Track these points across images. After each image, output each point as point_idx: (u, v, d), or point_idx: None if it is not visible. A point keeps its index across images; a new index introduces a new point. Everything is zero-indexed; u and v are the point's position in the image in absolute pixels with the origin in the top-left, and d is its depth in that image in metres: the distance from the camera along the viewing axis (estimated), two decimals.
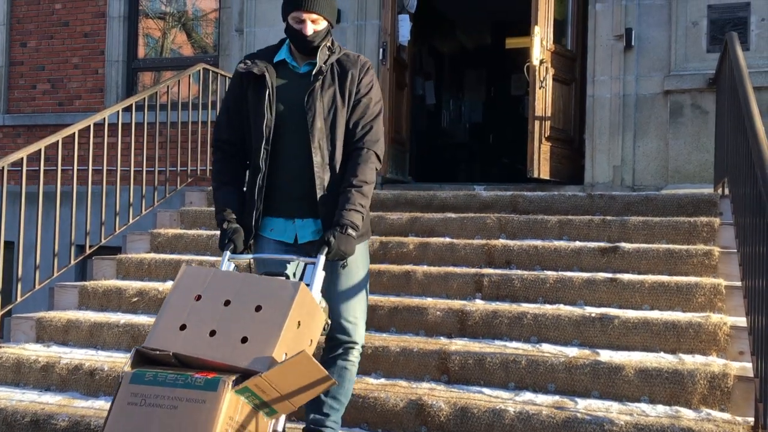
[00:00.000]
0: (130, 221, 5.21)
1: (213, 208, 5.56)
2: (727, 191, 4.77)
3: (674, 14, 5.82)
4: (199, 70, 5.85)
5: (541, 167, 5.93)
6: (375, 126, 2.73)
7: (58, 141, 4.60)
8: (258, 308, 2.21)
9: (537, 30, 5.84)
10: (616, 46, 5.99)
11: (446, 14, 10.08)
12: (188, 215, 5.45)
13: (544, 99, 5.95)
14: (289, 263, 2.69)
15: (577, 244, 4.29)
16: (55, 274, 4.62)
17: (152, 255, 4.98)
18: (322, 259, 2.49)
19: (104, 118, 4.99)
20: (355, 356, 2.80)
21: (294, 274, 2.71)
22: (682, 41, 5.82)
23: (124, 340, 4.01)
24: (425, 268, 4.29)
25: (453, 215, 4.80)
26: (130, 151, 5.26)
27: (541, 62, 5.87)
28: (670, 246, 4.09)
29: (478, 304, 3.88)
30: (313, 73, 2.71)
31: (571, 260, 4.17)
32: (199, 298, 2.26)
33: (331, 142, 2.69)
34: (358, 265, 2.77)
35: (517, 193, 4.99)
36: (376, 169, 2.72)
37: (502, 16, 10.51)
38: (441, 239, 4.59)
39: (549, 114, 5.99)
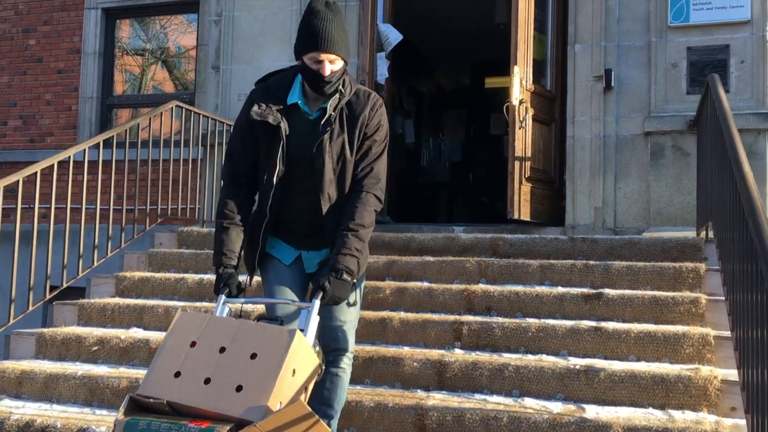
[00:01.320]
0: (95, 263, 4.98)
1: (183, 250, 5.42)
2: (711, 235, 4.68)
3: (653, 56, 5.79)
4: (171, 108, 5.69)
5: (522, 208, 5.81)
6: (375, 167, 2.71)
7: (18, 180, 4.38)
8: (253, 355, 2.20)
9: (516, 70, 5.77)
10: (595, 86, 5.93)
11: (426, 54, 10.07)
12: (157, 257, 5.24)
13: (524, 139, 5.85)
14: (298, 285, 2.76)
15: (560, 289, 4.14)
16: (11, 321, 4.37)
17: (116, 300, 4.75)
18: (316, 304, 2.48)
19: (69, 156, 4.79)
20: (346, 363, 2.79)
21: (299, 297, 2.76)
22: (662, 83, 5.78)
23: (81, 393, 3.77)
24: (402, 314, 4.10)
25: (431, 258, 4.64)
26: (98, 189, 5.06)
27: (521, 102, 5.78)
28: (656, 293, 3.95)
29: (457, 354, 3.70)
30: (322, 123, 2.68)
31: (554, 307, 4.01)
32: (194, 344, 2.25)
33: (339, 191, 2.71)
34: (356, 297, 2.81)
35: (497, 236, 4.85)
36: (376, 211, 2.70)
37: (481, 57, 10.53)
38: (419, 284, 4.41)
39: (529, 154, 5.89)
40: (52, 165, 4.64)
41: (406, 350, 3.79)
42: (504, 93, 10.53)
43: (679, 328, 3.64)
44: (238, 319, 2.44)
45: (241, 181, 2.76)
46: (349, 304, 2.68)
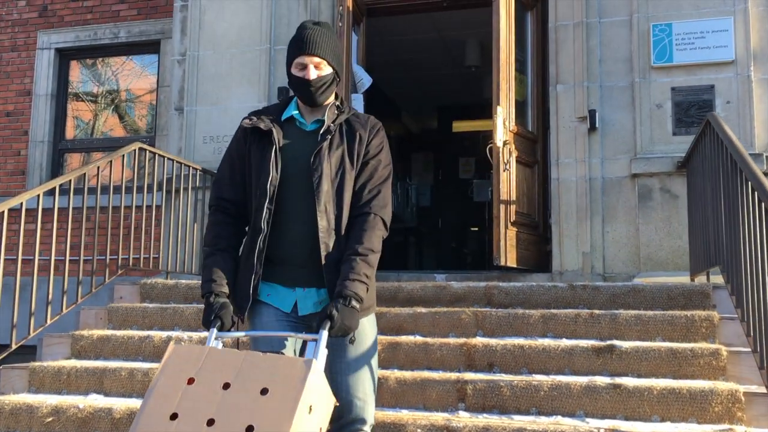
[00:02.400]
0: (48, 321, 4.48)
1: (147, 304, 4.95)
2: (710, 280, 4.46)
3: (637, 96, 5.65)
4: (134, 150, 5.28)
5: (508, 254, 5.53)
6: (383, 190, 2.48)
7: None
8: (264, 391, 1.91)
9: (500, 110, 5.56)
10: (579, 127, 5.75)
11: (392, 98, 9.90)
12: (118, 313, 4.76)
13: (508, 182, 5.61)
14: (287, 340, 2.40)
15: (566, 342, 3.83)
16: None
17: (73, 362, 4.25)
18: (324, 334, 2.19)
19: (22, 203, 4.33)
20: None
21: (295, 352, 2.41)
22: (647, 123, 5.63)
23: None
24: (398, 373, 3.73)
25: (423, 310, 4.29)
26: (52, 238, 4.59)
27: (505, 143, 5.56)
28: (671, 344, 3.68)
29: (464, 418, 3.33)
30: (321, 132, 2.48)
31: (563, 362, 3.70)
32: (192, 381, 1.96)
33: (337, 206, 2.43)
34: (367, 335, 2.48)
35: (491, 284, 4.54)
36: (383, 237, 2.45)
37: (448, 101, 10.42)
38: (412, 338, 4.06)
39: (514, 198, 5.64)
40: (2, 212, 4.17)
41: (405, 414, 3.41)
42: (472, 137, 10.49)
43: (703, 384, 3.35)
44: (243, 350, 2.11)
45: (227, 208, 2.52)
46: (351, 342, 2.33)
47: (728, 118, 5.46)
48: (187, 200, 5.71)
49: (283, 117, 2.54)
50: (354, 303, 2.27)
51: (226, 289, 2.37)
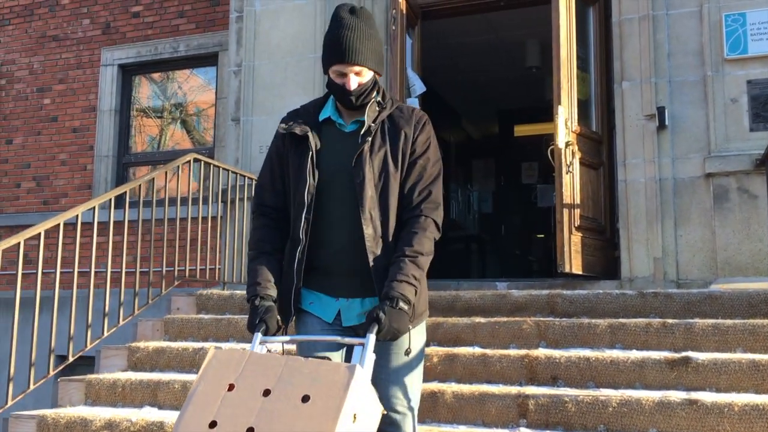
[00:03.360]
0: (105, 333, 4.48)
1: (202, 316, 4.92)
2: None
3: (710, 91, 5.30)
4: (189, 161, 5.28)
5: (573, 261, 5.26)
6: (434, 190, 2.33)
7: (19, 242, 3.94)
8: (305, 398, 1.84)
9: (561, 110, 5.31)
10: (647, 126, 5.44)
11: (451, 103, 9.72)
12: (174, 324, 4.74)
13: (571, 185, 5.35)
14: (335, 347, 2.29)
15: (636, 354, 3.56)
16: (9, 402, 3.86)
17: (128, 374, 4.23)
18: (372, 338, 2.07)
19: (77, 215, 4.36)
20: (408, 426, 2.31)
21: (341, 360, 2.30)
22: (721, 120, 5.28)
23: None
24: (455, 386, 3.55)
25: (482, 320, 4.09)
26: (109, 250, 4.60)
27: (567, 145, 5.30)
28: (754, 356, 3.37)
29: None
30: (361, 133, 2.34)
31: (633, 375, 3.44)
32: (232, 387, 1.90)
33: (382, 212, 2.29)
34: (414, 343, 2.29)
35: (554, 292, 4.30)
36: (435, 240, 2.30)
37: (509, 104, 10.17)
38: (470, 349, 3.86)
39: (578, 201, 5.37)
40: (58, 225, 4.20)
41: (463, 430, 3.22)
42: (534, 141, 10.20)
43: None
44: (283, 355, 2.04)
45: (269, 213, 2.43)
46: (407, 354, 2.24)
47: None
48: (244, 210, 5.68)
49: (321, 117, 2.40)
50: (402, 305, 2.15)
51: (272, 293, 2.28)
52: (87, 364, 4.71)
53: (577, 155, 5.41)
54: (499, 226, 10.25)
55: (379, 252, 2.27)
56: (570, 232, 5.27)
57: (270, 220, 2.41)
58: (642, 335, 3.72)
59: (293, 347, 3.47)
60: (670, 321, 3.75)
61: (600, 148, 5.81)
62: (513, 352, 3.75)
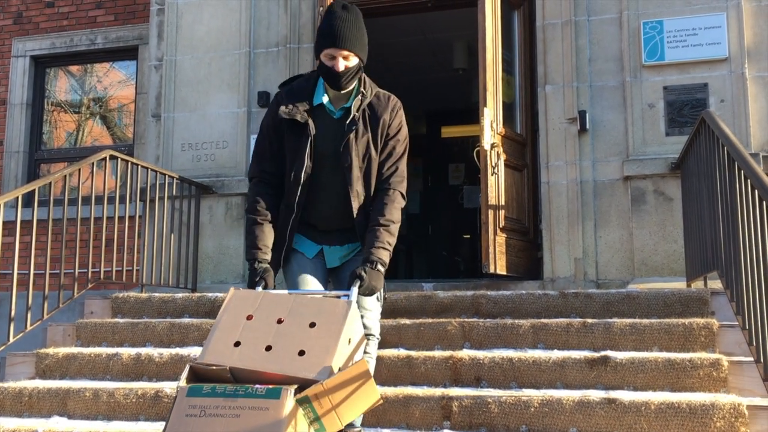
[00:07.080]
0: (11, 339, 4.23)
1: (117, 320, 4.71)
2: (708, 286, 4.26)
3: (629, 96, 5.45)
4: (105, 158, 5.05)
5: (498, 261, 5.31)
6: (400, 166, 2.85)
7: None
8: (312, 324, 2.26)
9: (487, 112, 5.35)
10: (569, 129, 5.55)
11: None
12: (86, 329, 4.52)
13: (497, 186, 5.40)
14: (320, 278, 2.86)
15: (558, 354, 3.61)
16: None
17: (36, 382, 4.00)
18: (355, 291, 2.54)
19: None
20: (372, 348, 2.85)
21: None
22: (639, 124, 5.43)
23: None
24: (378, 389, 3.49)
25: (407, 321, 4.07)
26: (15, 251, 4.34)
27: (492, 146, 5.35)
28: (668, 355, 3.46)
29: None
30: (347, 122, 2.80)
31: (554, 375, 3.48)
32: (251, 317, 2.30)
33: (365, 187, 2.82)
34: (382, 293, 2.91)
35: (479, 293, 4.32)
36: (402, 207, 2.83)
37: (437, 105, 10.23)
38: (395, 351, 3.83)
39: (503, 202, 5.43)
40: None
41: None
42: (461, 142, 10.29)
43: (703, 397, 3.13)
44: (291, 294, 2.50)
45: (269, 180, 2.87)
46: (377, 298, 2.82)
47: (723, 116, 5.23)
48: (164, 210, 5.48)
49: (315, 102, 2.81)
50: (380, 267, 2.65)
51: (269, 257, 2.75)
52: None
53: (502, 157, 5.47)
54: (426, 226, 10.29)
55: (361, 216, 2.81)
56: (495, 233, 5.32)
57: (269, 187, 2.85)
58: (563, 335, 3.78)
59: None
60: (590, 321, 3.81)
61: (524, 150, 5.89)
62: (438, 353, 3.73)
